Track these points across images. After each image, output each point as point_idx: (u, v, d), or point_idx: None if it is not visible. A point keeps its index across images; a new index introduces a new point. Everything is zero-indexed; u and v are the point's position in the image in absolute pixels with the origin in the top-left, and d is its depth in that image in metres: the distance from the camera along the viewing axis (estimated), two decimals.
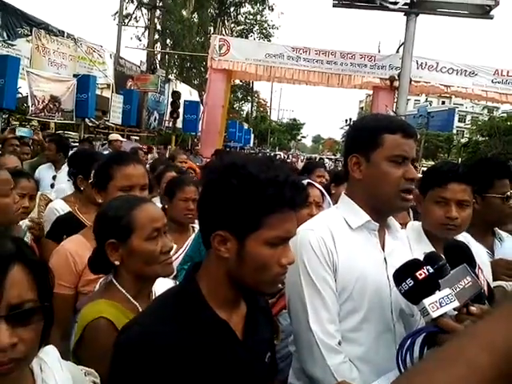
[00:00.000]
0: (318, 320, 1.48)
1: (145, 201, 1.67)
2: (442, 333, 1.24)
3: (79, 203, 2.69)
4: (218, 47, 15.20)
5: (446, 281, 1.29)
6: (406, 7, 13.16)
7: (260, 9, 33.10)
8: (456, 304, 1.26)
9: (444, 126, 33.11)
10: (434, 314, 1.24)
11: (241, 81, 31.02)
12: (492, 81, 14.87)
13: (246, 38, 30.81)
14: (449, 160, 21.00)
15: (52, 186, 4.55)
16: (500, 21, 14.03)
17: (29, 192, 2.71)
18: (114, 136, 9.81)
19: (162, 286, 1.59)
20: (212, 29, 27.20)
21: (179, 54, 26.08)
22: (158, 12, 24.68)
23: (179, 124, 18.64)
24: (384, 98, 14.85)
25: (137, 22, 25.16)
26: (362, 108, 65.79)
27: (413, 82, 14.00)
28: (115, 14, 24.19)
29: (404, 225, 2.09)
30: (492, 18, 12.96)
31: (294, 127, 67.55)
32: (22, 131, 8.88)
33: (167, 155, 10.04)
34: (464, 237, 1.92)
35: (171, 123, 18.50)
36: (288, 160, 18.00)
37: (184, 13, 26.30)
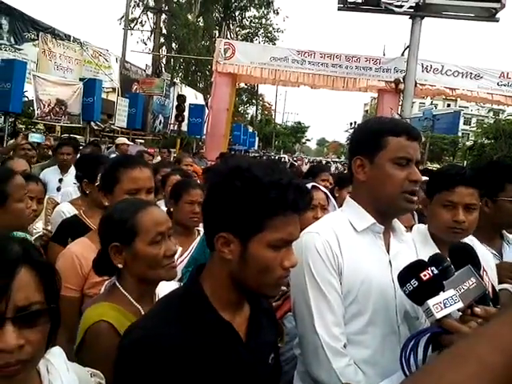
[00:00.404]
0: (324, 323, 1.48)
1: (150, 204, 1.67)
2: (446, 333, 1.23)
3: (85, 206, 2.70)
4: (223, 51, 15.26)
5: (450, 282, 1.29)
6: (412, 10, 13.16)
7: (265, 12, 33.12)
8: (460, 305, 1.25)
9: (449, 129, 33.10)
10: (438, 315, 1.24)
11: (246, 84, 31.08)
12: (497, 83, 14.84)
13: (251, 41, 30.82)
14: (455, 163, 20.89)
15: (58, 189, 4.57)
16: (506, 23, 13.97)
17: (37, 195, 2.73)
18: (121, 140, 9.84)
19: (165, 288, 1.59)
20: (217, 32, 27.21)
21: (184, 57, 26.12)
22: (163, 16, 24.77)
23: (184, 127, 18.69)
24: (389, 101, 14.85)
25: (142, 26, 25.23)
26: (366, 111, 65.79)
27: (418, 85, 13.99)
28: (121, 18, 24.29)
29: (409, 227, 2.09)
30: (498, 21, 12.94)
31: (298, 130, 67.39)
32: (34, 137, 8.97)
33: (171, 159, 10.06)
34: (470, 240, 1.92)
35: (176, 126, 18.53)
36: (296, 163, 17.92)
37: (189, 17, 26.35)
